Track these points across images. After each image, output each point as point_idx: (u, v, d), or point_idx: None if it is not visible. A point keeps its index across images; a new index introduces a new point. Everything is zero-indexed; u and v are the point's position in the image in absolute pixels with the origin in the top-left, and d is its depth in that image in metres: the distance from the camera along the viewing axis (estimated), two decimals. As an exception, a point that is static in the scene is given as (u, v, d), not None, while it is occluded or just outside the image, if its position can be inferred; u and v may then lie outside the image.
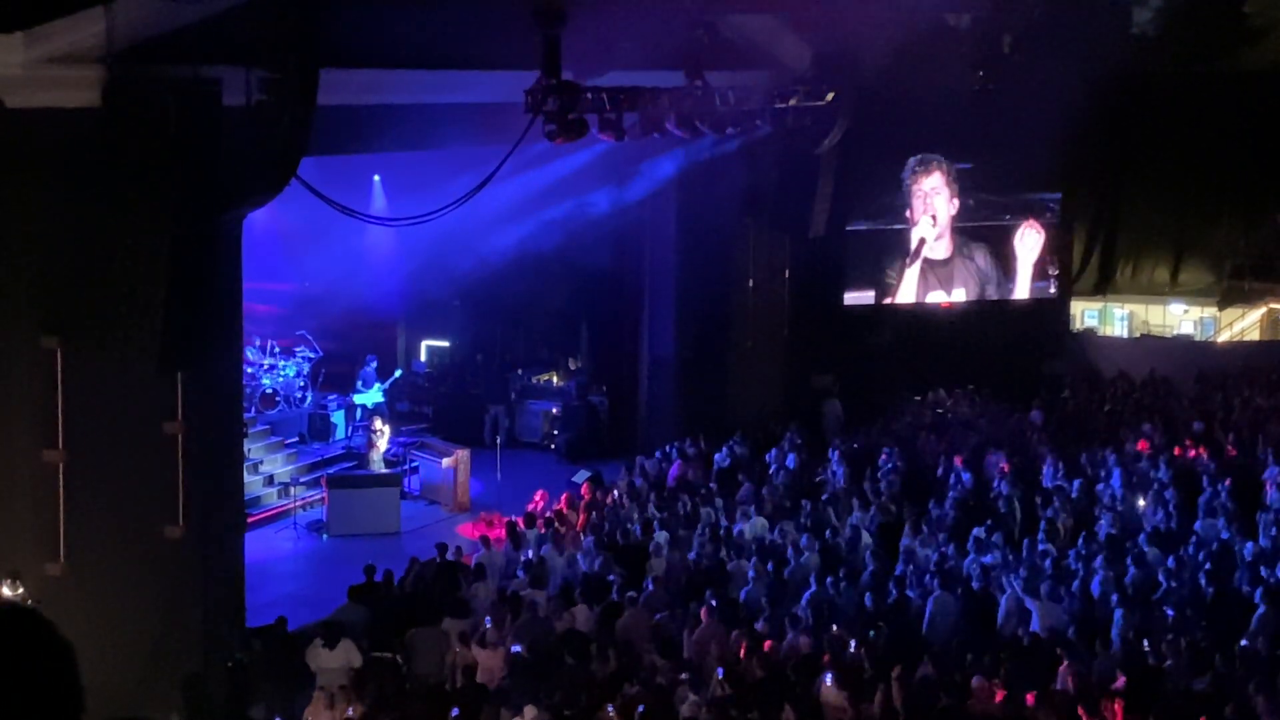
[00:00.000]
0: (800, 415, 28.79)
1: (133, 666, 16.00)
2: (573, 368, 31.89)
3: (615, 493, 24.05)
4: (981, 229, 32.49)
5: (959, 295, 32.64)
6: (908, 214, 31.76)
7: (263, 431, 26.62)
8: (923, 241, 31.93)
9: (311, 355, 29.44)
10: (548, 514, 23.08)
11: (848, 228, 31.35)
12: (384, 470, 26.45)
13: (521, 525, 21.95)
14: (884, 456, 24.61)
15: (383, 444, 26.44)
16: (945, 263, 32.45)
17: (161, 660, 16.69)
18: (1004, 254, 32.81)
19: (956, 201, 32.04)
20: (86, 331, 16.04)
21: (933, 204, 31.91)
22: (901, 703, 14.54)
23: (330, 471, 26.30)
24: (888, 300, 32.12)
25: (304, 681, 17.00)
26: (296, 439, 27.87)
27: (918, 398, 30.61)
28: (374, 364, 30.02)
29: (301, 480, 25.87)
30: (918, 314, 32.38)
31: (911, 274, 32.04)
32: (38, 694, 2.81)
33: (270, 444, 26.66)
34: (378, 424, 26.62)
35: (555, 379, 31.91)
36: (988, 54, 30.23)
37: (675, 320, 29.44)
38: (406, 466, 26.96)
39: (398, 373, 31.06)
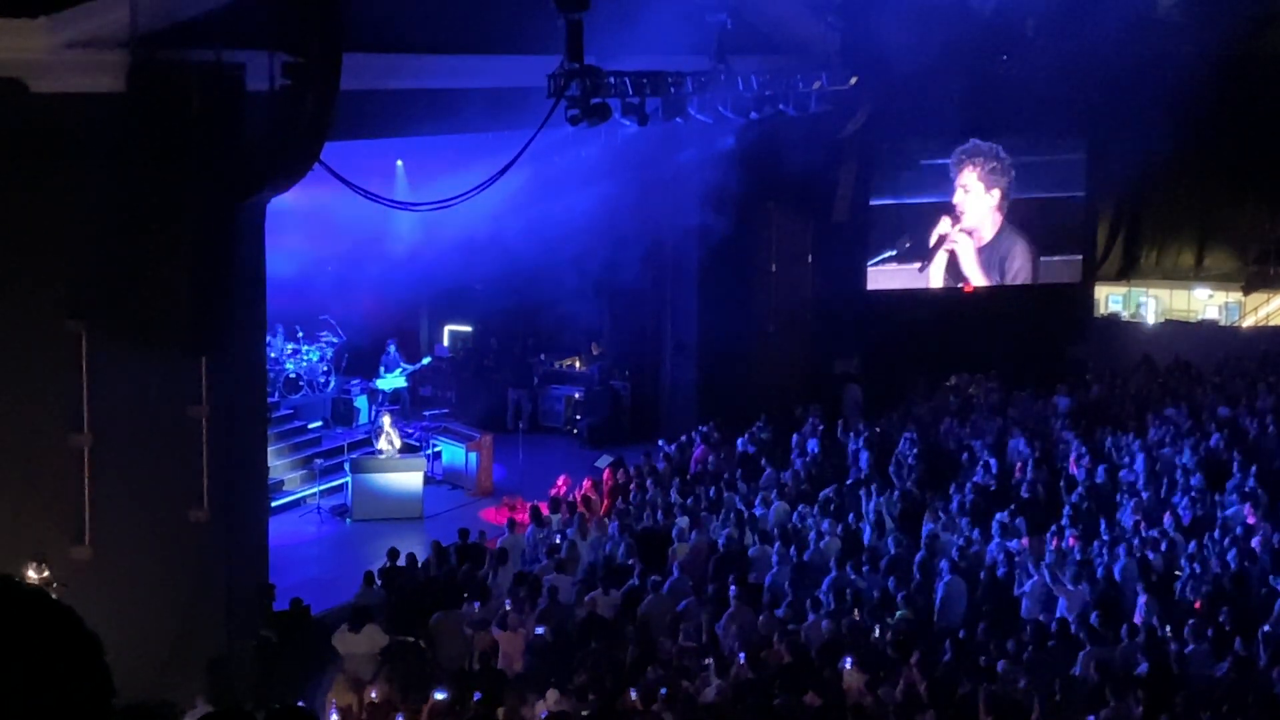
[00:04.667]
0: (823, 400, 28.77)
1: (157, 650, 16.08)
2: (595, 353, 31.88)
3: (638, 478, 24.04)
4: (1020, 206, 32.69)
5: (996, 279, 32.90)
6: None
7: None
8: (943, 238, 32.12)
9: (335, 340, 29.50)
10: (571, 499, 23.10)
11: (871, 202, 31.42)
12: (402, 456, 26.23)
13: (545, 510, 21.98)
14: (906, 441, 24.55)
15: (383, 442, 26.00)
16: (986, 248, 32.56)
17: (186, 643, 16.78)
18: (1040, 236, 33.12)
19: (998, 191, 32.14)
20: (111, 315, 16.10)
21: (963, 202, 32.13)
22: (924, 688, 14.56)
23: (353, 457, 26.28)
24: (917, 285, 32.21)
25: (326, 665, 17.08)
26: (320, 424, 27.94)
27: (947, 383, 30.58)
28: (393, 347, 30.09)
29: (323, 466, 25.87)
30: (941, 298, 32.34)
31: (939, 264, 32.27)
32: (66, 686, 2.79)
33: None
34: (385, 422, 26.25)
35: (578, 364, 31.92)
36: (1011, 37, 30.18)
37: (698, 305, 29.42)
38: (429, 451, 26.99)
39: (426, 360, 31.12)
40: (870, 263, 32.02)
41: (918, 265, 32.19)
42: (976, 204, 32.23)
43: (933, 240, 32.16)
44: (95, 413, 16.35)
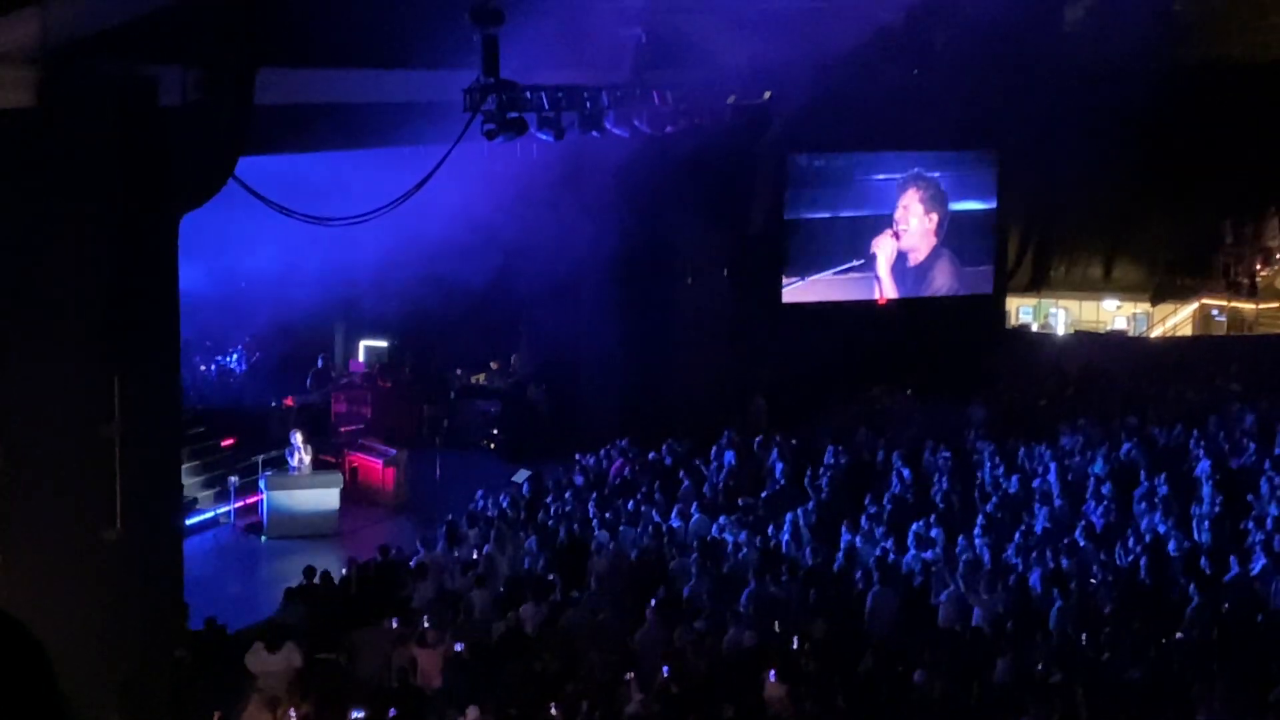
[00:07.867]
0: (740, 411, 28.90)
1: (70, 670, 15.80)
2: (512, 366, 31.84)
3: (556, 491, 24.01)
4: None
5: (937, 292, 33.66)
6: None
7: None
8: (874, 254, 32.67)
9: (249, 356, 29.27)
10: (489, 514, 23.02)
11: (786, 217, 31.67)
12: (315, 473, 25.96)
13: (464, 526, 21.90)
14: (831, 453, 24.68)
15: (297, 459, 25.67)
16: (920, 265, 33.05)
17: (99, 663, 16.52)
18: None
19: (935, 216, 32.66)
20: (21, 332, 15.87)
21: (904, 220, 32.81)
22: (844, 698, 14.64)
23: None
24: (833, 297, 32.59)
25: (241, 685, 16.89)
26: (233, 441, 27.65)
27: (862, 394, 30.81)
28: (322, 363, 29.95)
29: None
30: (856, 311, 32.60)
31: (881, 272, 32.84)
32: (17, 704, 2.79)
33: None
34: (298, 439, 25.96)
35: (494, 378, 31.85)
36: (921, 51, 30.48)
37: (615, 318, 29.46)
38: (344, 467, 26.79)
39: (351, 376, 31.09)
40: (811, 278, 32.40)
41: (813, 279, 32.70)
42: (916, 225, 32.77)
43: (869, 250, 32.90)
44: (5, 429, 16.08)
